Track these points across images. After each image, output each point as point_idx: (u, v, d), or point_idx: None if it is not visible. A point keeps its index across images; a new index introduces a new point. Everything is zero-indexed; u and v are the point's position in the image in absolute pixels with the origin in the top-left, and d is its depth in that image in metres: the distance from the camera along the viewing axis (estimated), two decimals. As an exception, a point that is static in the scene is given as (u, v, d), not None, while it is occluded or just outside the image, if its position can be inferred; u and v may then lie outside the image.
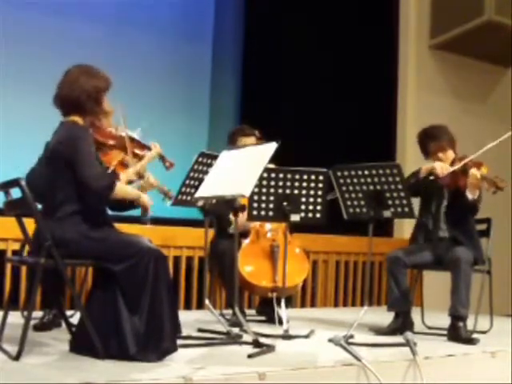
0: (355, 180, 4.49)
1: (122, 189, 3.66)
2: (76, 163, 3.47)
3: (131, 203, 3.87)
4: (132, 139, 4.25)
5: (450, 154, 4.86)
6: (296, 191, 4.50)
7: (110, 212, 3.86)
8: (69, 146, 3.50)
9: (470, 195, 4.56)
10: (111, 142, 4.17)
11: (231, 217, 4.52)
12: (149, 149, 4.36)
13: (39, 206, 3.52)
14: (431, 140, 4.88)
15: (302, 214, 4.53)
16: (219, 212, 4.81)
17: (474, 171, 4.46)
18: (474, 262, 4.74)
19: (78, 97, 3.60)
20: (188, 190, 4.33)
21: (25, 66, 6.65)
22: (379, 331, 4.74)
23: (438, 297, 5.44)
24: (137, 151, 4.23)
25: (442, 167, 4.65)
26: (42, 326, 4.25)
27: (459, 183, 4.63)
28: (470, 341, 4.43)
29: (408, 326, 4.72)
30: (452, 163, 4.78)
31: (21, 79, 6.61)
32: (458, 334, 4.52)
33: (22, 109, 6.52)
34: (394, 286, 4.79)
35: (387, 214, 4.49)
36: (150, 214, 3.85)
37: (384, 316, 4.97)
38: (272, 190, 4.49)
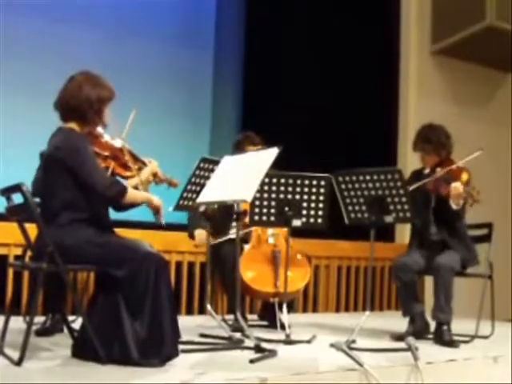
0: (357, 185, 4.50)
1: (132, 193, 3.66)
2: (83, 172, 3.47)
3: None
4: (129, 151, 4.19)
5: (431, 158, 4.90)
6: (297, 196, 4.50)
7: (113, 215, 3.86)
8: (71, 154, 3.48)
9: (454, 205, 4.60)
10: (106, 153, 4.14)
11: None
12: (144, 163, 4.30)
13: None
14: (422, 140, 4.93)
15: (304, 219, 4.54)
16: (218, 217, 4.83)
17: (455, 184, 4.51)
18: (465, 263, 4.81)
19: (80, 105, 3.60)
20: (190, 195, 4.33)
21: (25, 71, 6.65)
22: (398, 337, 4.71)
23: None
24: (130, 164, 4.15)
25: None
26: (43, 331, 4.25)
27: (440, 191, 4.66)
28: (452, 343, 4.53)
29: (425, 328, 4.82)
30: (436, 167, 4.82)
31: (20, 83, 6.61)
32: (441, 337, 4.61)
33: (21, 112, 6.52)
34: (403, 291, 4.82)
35: (389, 218, 4.50)
36: (163, 215, 3.82)
37: (386, 321, 4.98)
38: (273, 195, 4.49)
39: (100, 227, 3.58)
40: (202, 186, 4.21)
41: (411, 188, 4.63)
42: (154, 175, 4.28)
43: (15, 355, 3.27)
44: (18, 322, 3.96)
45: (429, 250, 4.88)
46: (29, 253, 3.80)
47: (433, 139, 4.87)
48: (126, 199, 3.57)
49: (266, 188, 4.46)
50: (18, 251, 4.82)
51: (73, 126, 3.64)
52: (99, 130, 4.03)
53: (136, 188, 3.91)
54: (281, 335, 4.43)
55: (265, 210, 4.51)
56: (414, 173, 5.15)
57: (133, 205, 3.72)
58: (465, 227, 4.98)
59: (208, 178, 4.22)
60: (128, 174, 4.14)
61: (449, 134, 4.95)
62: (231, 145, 5.41)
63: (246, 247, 5.12)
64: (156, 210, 3.75)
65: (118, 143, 4.22)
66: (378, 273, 7.26)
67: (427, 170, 4.96)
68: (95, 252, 3.44)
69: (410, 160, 7.97)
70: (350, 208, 4.59)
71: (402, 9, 8.40)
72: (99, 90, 3.66)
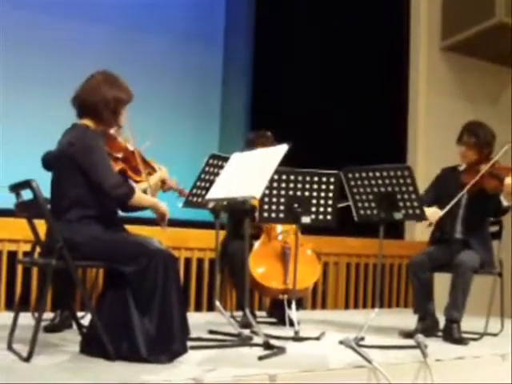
0: (366, 182, 4.48)
1: (139, 196, 3.67)
2: (93, 170, 3.48)
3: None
4: (140, 156, 4.19)
5: (472, 154, 4.89)
6: (307, 193, 4.49)
7: (121, 213, 3.86)
8: (83, 152, 3.49)
9: (505, 202, 4.63)
10: (118, 155, 4.14)
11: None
12: (153, 169, 4.31)
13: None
14: (468, 133, 4.92)
15: (313, 216, 4.53)
16: (233, 211, 4.81)
17: (509, 181, 4.51)
18: (482, 264, 4.79)
19: (96, 104, 3.60)
20: (199, 191, 4.33)
21: (32, 68, 6.65)
22: (407, 334, 4.70)
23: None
24: (140, 168, 4.15)
25: (432, 215, 4.70)
26: (52, 328, 4.26)
27: (485, 185, 4.66)
28: (461, 341, 4.53)
29: (434, 326, 4.83)
30: (477, 164, 4.81)
31: (26, 80, 6.61)
32: (451, 334, 4.60)
33: (26, 109, 6.53)
34: (419, 289, 4.82)
35: (398, 215, 4.48)
36: (166, 223, 3.81)
37: (395, 318, 4.96)
38: (283, 192, 4.48)
39: (109, 224, 3.58)
40: (211, 182, 4.21)
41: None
42: (163, 182, 4.31)
43: (24, 351, 3.28)
44: (26, 318, 3.96)
45: (449, 248, 4.88)
46: (38, 249, 3.80)
47: (480, 134, 4.89)
48: (133, 201, 3.58)
49: (275, 185, 4.45)
50: (27, 247, 4.83)
51: (88, 123, 3.64)
52: (113, 131, 4.04)
53: (144, 192, 3.93)
54: (290, 332, 4.42)
55: (274, 207, 4.50)
56: (447, 170, 5.15)
57: (139, 207, 3.75)
58: (488, 228, 5.00)
59: (217, 174, 4.22)
60: (137, 177, 4.15)
61: (495, 134, 4.96)
62: (241, 141, 5.40)
63: (256, 243, 5.11)
64: (161, 217, 3.76)
65: (130, 146, 4.22)
66: (387, 270, 7.25)
67: (462, 167, 4.96)
68: (104, 248, 3.44)
69: (419, 156, 7.98)
70: (360, 205, 4.56)
71: (411, 5, 8.38)
72: (116, 91, 3.66)
